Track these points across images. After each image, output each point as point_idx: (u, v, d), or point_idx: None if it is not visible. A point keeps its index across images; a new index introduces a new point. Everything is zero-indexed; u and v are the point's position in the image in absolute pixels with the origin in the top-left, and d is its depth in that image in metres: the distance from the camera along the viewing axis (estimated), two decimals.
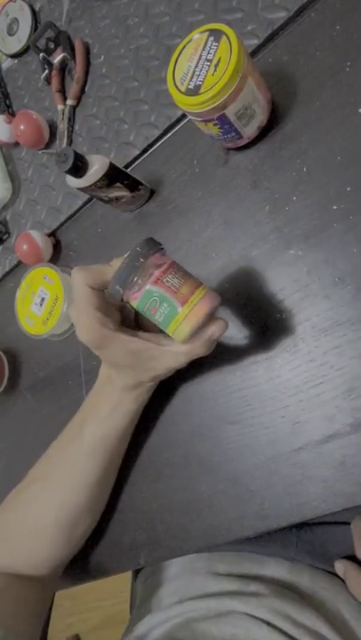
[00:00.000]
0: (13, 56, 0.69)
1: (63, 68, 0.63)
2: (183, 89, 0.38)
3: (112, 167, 0.47)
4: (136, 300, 0.36)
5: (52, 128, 0.63)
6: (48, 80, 0.63)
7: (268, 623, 0.46)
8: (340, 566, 0.52)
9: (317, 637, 0.45)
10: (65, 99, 0.61)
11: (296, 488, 0.40)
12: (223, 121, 0.40)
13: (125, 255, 0.36)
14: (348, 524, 0.55)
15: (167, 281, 0.35)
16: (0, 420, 0.65)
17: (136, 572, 0.71)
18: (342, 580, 0.53)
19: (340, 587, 0.52)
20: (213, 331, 0.37)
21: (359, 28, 0.41)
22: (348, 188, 0.40)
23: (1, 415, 0.65)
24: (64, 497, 0.46)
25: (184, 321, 0.36)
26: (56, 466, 0.48)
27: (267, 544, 0.56)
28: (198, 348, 0.38)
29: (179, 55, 0.40)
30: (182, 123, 0.51)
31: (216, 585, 0.52)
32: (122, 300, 0.37)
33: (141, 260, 0.35)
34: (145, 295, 0.36)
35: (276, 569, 0.53)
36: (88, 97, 0.60)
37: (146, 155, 0.54)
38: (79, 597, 1.57)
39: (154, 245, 0.36)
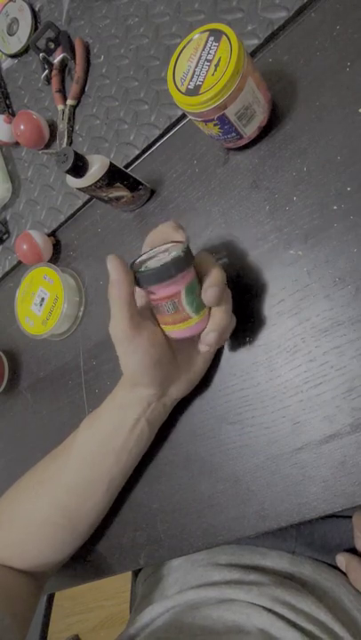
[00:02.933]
0: (13, 56, 0.69)
1: (63, 68, 0.63)
2: (183, 89, 0.38)
3: (112, 167, 0.47)
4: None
5: (52, 128, 0.63)
6: (48, 80, 0.63)
7: (269, 610, 0.46)
8: (342, 559, 0.52)
9: (318, 624, 0.45)
10: (65, 99, 0.61)
11: (296, 488, 0.40)
12: (223, 121, 0.40)
13: (161, 261, 0.38)
14: (348, 517, 0.55)
15: (156, 306, 0.40)
16: (0, 419, 0.65)
17: (136, 573, 0.71)
18: (344, 574, 0.53)
19: (342, 579, 0.52)
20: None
21: (359, 28, 0.41)
22: (349, 188, 0.40)
23: (1, 415, 0.65)
24: (56, 496, 0.47)
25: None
26: (50, 463, 0.49)
27: (267, 537, 0.56)
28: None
29: (179, 55, 0.39)
30: (182, 123, 0.51)
31: (217, 574, 0.52)
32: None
33: (156, 282, 0.38)
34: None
35: (277, 561, 0.54)
36: (88, 97, 0.60)
37: (146, 155, 0.54)
38: (79, 598, 1.57)
39: (175, 273, 0.37)
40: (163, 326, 0.41)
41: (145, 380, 0.41)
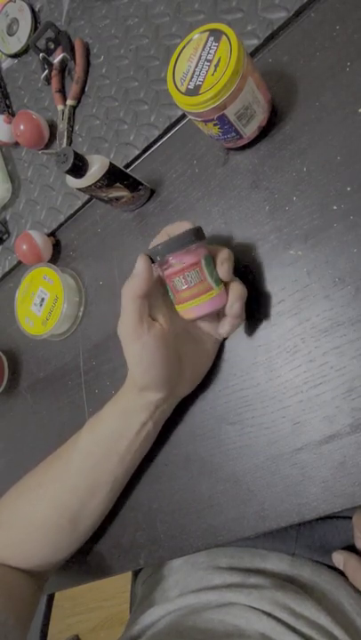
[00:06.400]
0: (13, 56, 0.69)
1: (63, 68, 0.63)
2: (183, 89, 0.38)
3: (112, 167, 0.47)
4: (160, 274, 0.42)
5: (52, 128, 0.63)
6: (48, 80, 0.63)
7: (269, 614, 0.46)
8: (340, 557, 0.51)
9: (317, 628, 0.45)
10: (65, 99, 0.61)
11: (296, 488, 0.40)
12: (223, 121, 0.40)
13: (175, 235, 0.39)
14: (348, 518, 0.55)
15: (176, 280, 0.40)
16: (0, 420, 0.65)
17: (136, 574, 0.71)
18: (343, 575, 0.53)
19: (342, 580, 0.52)
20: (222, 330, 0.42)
21: (359, 28, 0.41)
22: (349, 188, 0.40)
23: (1, 415, 0.65)
24: (57, 498, 0.47)
25: (180, 312, 0.41)
26: (52, 464, 0.49)
27: (267, 538, 0.56)
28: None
29: (178, 55, 0.39)
30: (182, 123, 0.51)
31: (217, 578, 0.52)
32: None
33: (175, 250, 0.39)
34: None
35: (277, 563, 0.53)
36: (88, 97, 0.60)
37: (146, 155, 0.54)
38: (79, 598, 1.57)
39: (195, 239, 0.39)
40: (183, 305, 0.40)
41: (154, 382, 0.41)
